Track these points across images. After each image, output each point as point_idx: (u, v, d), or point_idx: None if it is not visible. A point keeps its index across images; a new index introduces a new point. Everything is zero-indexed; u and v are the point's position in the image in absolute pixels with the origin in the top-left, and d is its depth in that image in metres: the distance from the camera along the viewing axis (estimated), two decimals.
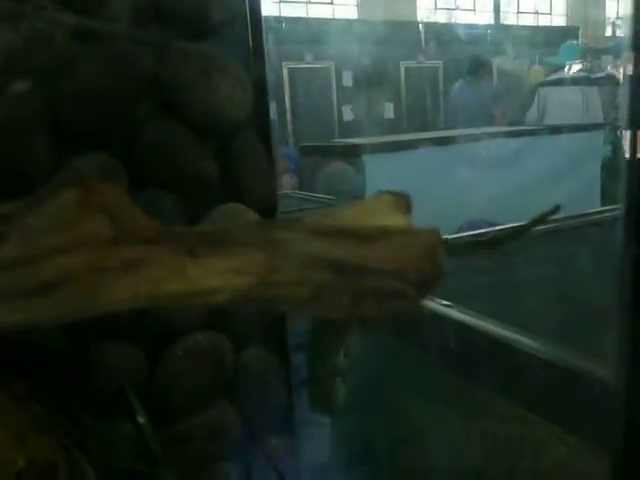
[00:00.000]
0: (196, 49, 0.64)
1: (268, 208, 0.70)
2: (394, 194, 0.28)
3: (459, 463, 0.78)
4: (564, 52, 4.86)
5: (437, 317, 0.72)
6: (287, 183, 3.15)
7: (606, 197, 2.59)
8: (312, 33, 6.13)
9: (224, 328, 0.68)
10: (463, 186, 2.32)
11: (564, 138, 2.69)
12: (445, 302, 0.75)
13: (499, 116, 4.04)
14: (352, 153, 2.42)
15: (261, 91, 0.67)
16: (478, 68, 4.36)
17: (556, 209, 0.37)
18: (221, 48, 0.65)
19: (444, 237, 0.46)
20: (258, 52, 0.67)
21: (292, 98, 5.86)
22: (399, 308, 0.23)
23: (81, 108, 0.57)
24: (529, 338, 0.60)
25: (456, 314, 0.71)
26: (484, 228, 1.75)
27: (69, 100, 0.57)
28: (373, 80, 6.03)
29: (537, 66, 6.34)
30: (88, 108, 0.57)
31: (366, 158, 2.29)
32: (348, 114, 6.24)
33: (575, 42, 6.07)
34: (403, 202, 0.27)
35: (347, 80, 6.22)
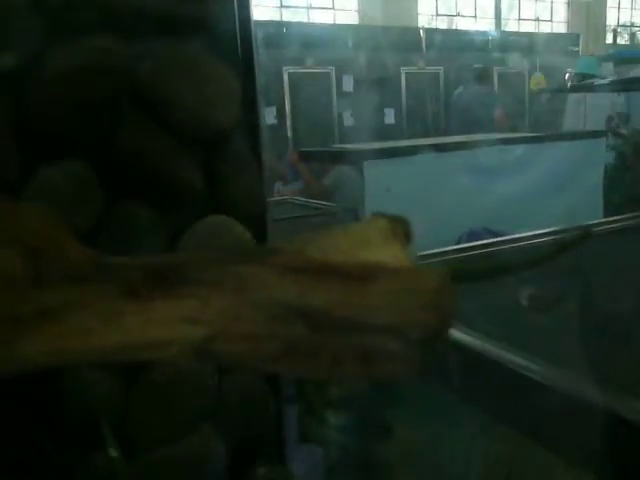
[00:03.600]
0: (180, 49, 0.59)
1: (258, 219, 0.65)
2: (391, 219, 0.23)
3: None
4: (581, 64, 4.89)
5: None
6: (292, 190, 3.10)
7: (609, 206, 2.55)
8: (313, 38, 6.11)
9: None
10: (464, 193, 2.28)
11: (566, 145, 2.64)
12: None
13: (501, 122, 4.00)
14: (351, 159, 2.37)
15: (251, 95, 0.62)
16: (481, 75, 4.34)
17: (587, 234, 0.32)
18: (208, 49, 0.60)
19: (458, 262, 0.41)
20: (247, 54, 0.62)
21: (292, 103, 5.82)
22: (392, 370, 0.18)
23: (52, 110, 0.52)
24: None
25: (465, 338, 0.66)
26: (486, 237, 1.70)
27: (38, 101, 0.52)
28: (373, 85, 6.00)
29: (538, 73, 6.31)
30: (60, 110, 0.52)
31: (366, 164, 2.24)
32: (348, 119, 6.21)
33: (591, 56, 6.12)
34: (401, 229, 0.22)
35: (347, 85, 6.20)
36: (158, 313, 0.20)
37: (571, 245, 0.31)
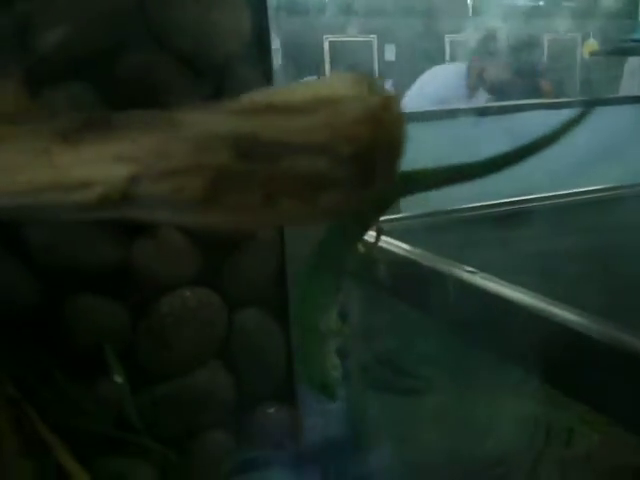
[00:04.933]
0: None
1: None
2: (357, 73, 0.20)
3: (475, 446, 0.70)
4: None
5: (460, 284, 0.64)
6: None
7: None
8: (354, 5, 5.98)
9: (216, 285, 0.62)
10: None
11: (612, 110, 2.53)
12: (469, 268, 0.67)
13: (547, 89, 3.84)
14: None
15: (261, 20, 0.59)
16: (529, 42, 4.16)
17: (584, 115, 0.29)
18: None
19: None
20: None
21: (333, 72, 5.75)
22: (333, 204, 0.16)
23: (53, 31, 0.51)
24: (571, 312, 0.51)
25: (481, 281, 0.63)
26: None
27: (40, 22, 0.51)
28: (417, 54, 5.86)
29: (591, 39, 6.02)
30: (61, 31, 0.51)
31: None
32: (390, 89, 6.06)
33: None
34: (366, 81, 0.19)
35: (390, 54, 6.06)
36: (87, 153, 0.18)
37: (568, 127, 0.28)
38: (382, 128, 0.15)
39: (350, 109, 0.15)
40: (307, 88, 0.20)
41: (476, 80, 2.27)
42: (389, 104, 0.16)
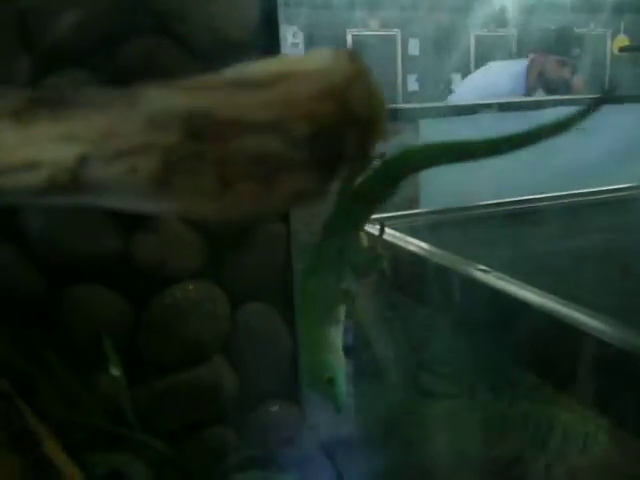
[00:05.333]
0: None
1: None
2: (338, 49, 0.18)
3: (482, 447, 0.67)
4: None
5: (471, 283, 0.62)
6: None
7: None
8: None
9: (219, 279, 0.60)
10: (522, 154, 2.15)
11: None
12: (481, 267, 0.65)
13: (578, 85, 3.76)
14: (408, 117, 2.30)
15: (270, 10, 0.58)
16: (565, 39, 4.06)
17: (593, 107, 0.26)
18: None
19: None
20: None
21: None
22: (293, 188, 0.14)
23: (56, 18, 0.50)
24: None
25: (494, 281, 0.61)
26: None
27: (42, 10, 0.50)
28: (441, 49, 5.78)
29: (622, 35, 5.87)
30: (65, 18, 0.50)
31: (422, 122, 2.16)
32: (413, 84, 6.03)
33: None
34: (345, 56, 0.18)
35: (413, 49, 5.99)
36: (36, 132, 0.17)
37: (569, 123, 0.26)
38: (349, 105, 0.13)
39: (309, 84, 0.13)
40: (277, 62, 0.18)
41: (536, 81, 2.11)
42: (358, 79, 0.14)
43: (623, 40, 5.83)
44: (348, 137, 0.14)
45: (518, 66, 2.03)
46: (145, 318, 0.58)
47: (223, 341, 0.61)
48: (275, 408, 0.65)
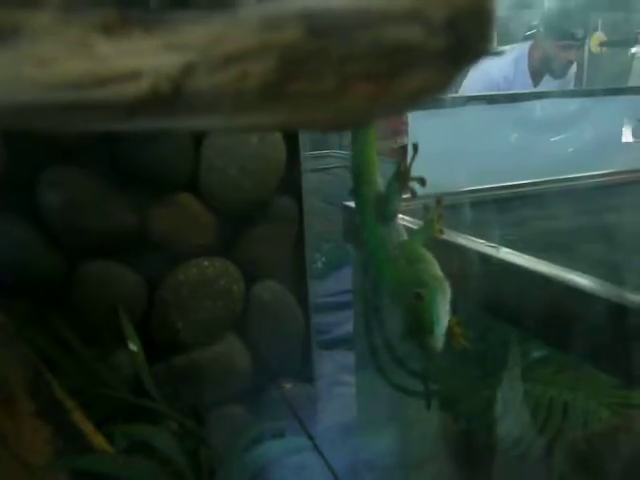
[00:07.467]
0: None
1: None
2: None
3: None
4: None
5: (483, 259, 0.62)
6: None
7: None
8: None
9: (234, 256, 0.60)
10: (512, 145, 2.17)
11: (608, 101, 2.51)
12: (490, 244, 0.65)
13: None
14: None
15: None
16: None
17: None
18: None
19: None
20: None
21: None
22: (419, 85, 0.14)
23: None
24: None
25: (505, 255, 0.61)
26: None
27: None
28: None
29: (599, 32, 5.97)
30: None
31: (410, 115, 2.17)
32: None
33: None
34: None
35: None
36: (133, 45, 0.16)
37: None
38: None
39: None
40: None
41: (540, 65, 1.94)
42: None
43: (600, 37, 5.93)
44: (476, 29, 0.14)
45: (516, 53, 1.97)
46: (160, 295, 0.57)
47: (237, 319, 0.61)
48: (288, 386, 0.65)
